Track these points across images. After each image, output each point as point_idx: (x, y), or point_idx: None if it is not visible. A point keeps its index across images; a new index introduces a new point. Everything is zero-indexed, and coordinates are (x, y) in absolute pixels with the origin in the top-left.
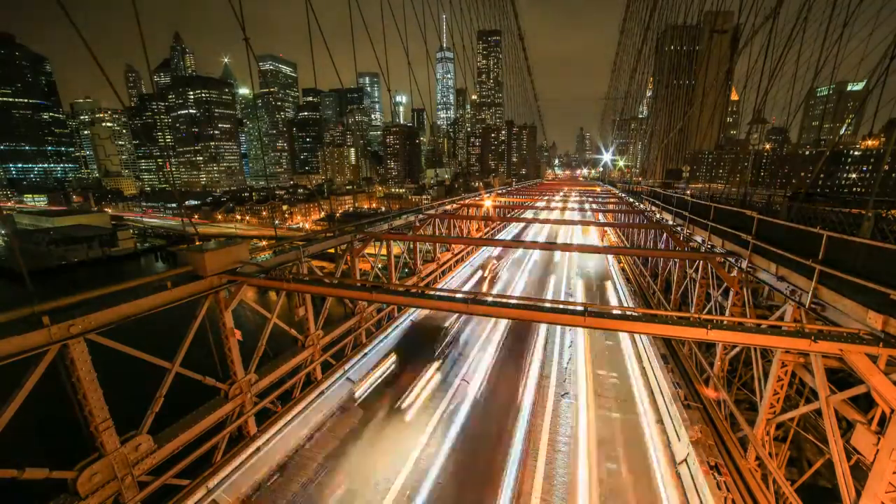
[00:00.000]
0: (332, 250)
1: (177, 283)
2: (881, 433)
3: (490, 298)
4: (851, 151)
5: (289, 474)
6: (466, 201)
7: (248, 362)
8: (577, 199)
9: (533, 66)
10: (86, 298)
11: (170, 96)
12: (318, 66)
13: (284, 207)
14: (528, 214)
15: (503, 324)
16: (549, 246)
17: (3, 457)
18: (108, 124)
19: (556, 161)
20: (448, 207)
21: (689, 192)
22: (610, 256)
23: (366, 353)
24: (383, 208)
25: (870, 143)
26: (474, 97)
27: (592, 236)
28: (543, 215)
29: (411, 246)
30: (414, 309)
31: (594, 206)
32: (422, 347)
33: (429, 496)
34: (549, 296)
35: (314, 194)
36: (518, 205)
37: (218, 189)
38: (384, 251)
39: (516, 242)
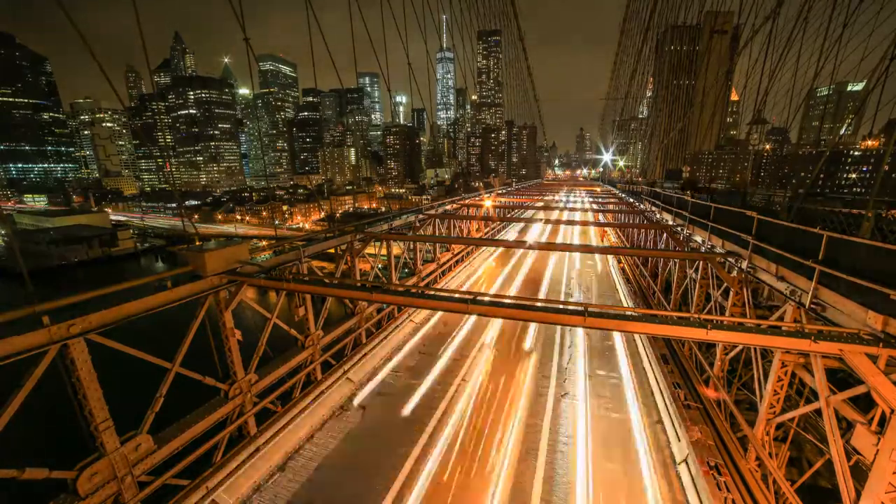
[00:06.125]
0: (332, 250)
1: (177, 282)
2: (881, 433)
3: (489, 298)
4: (851, 151)
5: (289, 474)
6: (466, 201)
7: (248, 362)
8: (577, 198)
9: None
10: (86, 298)
11: (170, 96)
12: (318, 66)
13: (284, 208)
14: (528, 215)
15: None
16: (549, 246)
17: (4, 457)
18: (108, 124)
19: (556, 161)
20: (448, 207)
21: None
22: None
23: (365, 353)
24: (383, 208)
25: (870, 143)
26: (474, 97)
27: (592, 239)
28: (543, 215)
29: (411, 246)
30: (414, 309)
31: (594, 206)
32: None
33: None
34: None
35: (314, 194)
36: (518, 205)
37: (218, 189)
38: (384, 251)
39: (516, 243)
